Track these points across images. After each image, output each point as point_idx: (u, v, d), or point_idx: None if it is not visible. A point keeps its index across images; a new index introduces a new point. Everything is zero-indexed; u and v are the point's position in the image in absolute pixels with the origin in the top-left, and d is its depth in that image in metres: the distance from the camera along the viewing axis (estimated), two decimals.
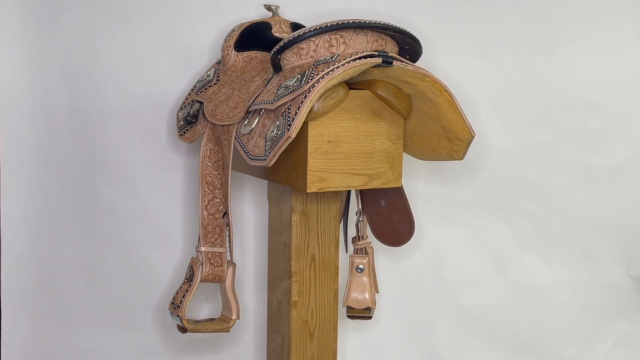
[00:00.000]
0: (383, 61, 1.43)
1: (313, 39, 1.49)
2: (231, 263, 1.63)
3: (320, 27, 1.47)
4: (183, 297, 1.62)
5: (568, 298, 1.99)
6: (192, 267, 1.62)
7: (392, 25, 1.47)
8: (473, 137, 1.46)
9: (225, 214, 1.63)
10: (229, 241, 1.62)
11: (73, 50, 1.88)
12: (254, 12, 1.85)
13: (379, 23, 1.47)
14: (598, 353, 2.00)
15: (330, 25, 1.47)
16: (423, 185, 1.94)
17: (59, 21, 1.87)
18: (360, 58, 1.42)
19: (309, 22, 1.70)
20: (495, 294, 1.99)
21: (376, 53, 1.44)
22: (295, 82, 1.44)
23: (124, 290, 1.96)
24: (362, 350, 2.00)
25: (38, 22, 1.88)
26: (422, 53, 1.52)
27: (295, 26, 1.70)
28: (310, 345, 1.62)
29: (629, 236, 1.95)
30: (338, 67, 1.41)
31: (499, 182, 1.95)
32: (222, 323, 1.65)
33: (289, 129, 1.39)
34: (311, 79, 1.41)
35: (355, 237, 1.73)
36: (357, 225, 1.72)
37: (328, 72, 1.41)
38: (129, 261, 1.95)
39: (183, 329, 1.63)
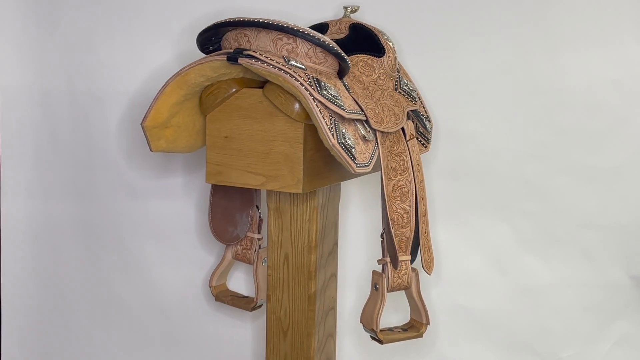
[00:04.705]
0: (228, 58, 1.45)
1: (226, 37, 1.53)
2: (262, 249, 1.74)
3: (213, 25, 1.51)
4: (215, 270, 1.82)
5: (568, 298, 1.98)
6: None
7: (286, 26, 1.44)
8: (333, 146, 1.42)
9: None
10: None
11: (73, 50, 1.89)
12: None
13: (266, 22, 1.45)
14: (598, 353, 2.00)
15: (224, 22, 1.49)
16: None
17: (59, 21, 1.88)
18: (213, 55, 1.47)
19: (387, 23, 1.75)
20: (495, 294, 1.99)
21: (231, 50, 1.47)
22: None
23: (124, 290, 1.96)
24: (361, 349, 2.00)
25: (38, 22, 1.88)
26: (338, 56, 1.48)
27: (353, 27, 1.68)
28: (283, 343, 1.63)
29: (629, 236, 1.95)
30: (190, 66, 1.49)
31: (499, 182, 1.94)
32: (249, 302, 1.79)
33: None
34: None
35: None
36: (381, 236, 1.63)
37: (180, 71, 1.50)
38: (129, 261, 1.95)
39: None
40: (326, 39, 1.47)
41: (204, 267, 1.95)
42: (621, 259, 1.96)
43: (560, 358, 2.00)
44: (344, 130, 1.44)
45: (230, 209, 1.75)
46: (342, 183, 1.72)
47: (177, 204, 1.93)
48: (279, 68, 1.42)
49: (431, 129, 1.76)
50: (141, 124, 1.53)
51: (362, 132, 1.49)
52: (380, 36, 1.64)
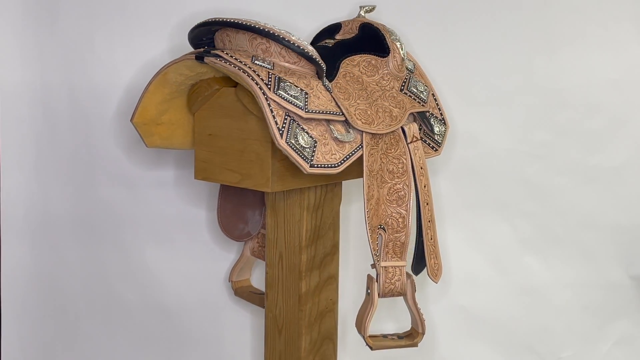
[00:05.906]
0: (196, 57, 1.45)
1: (215, 36, 1.54)
2: None
3: (196, 25, 1.52)
4: (235, 266, 1.84)
5: (568, 298, 1.98)
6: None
7: (254, 26, 1.43)
8: (279, 145, 1.39)
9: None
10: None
11: (73, 50, 1.88)
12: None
13: (237, 22, 1.44)
14: (598, 353, 2.00)
15: (203, 22, 1.50)
16: None
17: (59, 20, 1.87)
18: (185, 55, 1.49)
19: (398, 23, 1.74)
20: (495, 294, 1.99)
21: (201, 50, 1.48)
22: None
23: (124, 290, 1.96)
24: (365, 353, 2.00)
25: (38, 21, 1.88)
26: (305, 55, 1.46)
27: (362, 27, 1.66)
28: (279, 341, 1.62)
29: (629, 236, 1.95)
30: (167, 65, 1.51)
31: (499, 182, 1.94)
32: (262, 299, 1.77)
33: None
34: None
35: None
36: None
37: (161, 70, 1.52)
38: (129, 261, 1.95)
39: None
40: (292, 38, 1.44)
41: (207, 266, 1.95)
42: (621, 259, 1.96)
43: (560, 358, 2.01)
44: (298, 130, 1.41)
45: (240, 206, 1.74)
46: (343, 184, 1.70)
47: (178, 204, 1.93)
48: (238, 67, 1.41)
49: (442, 132, 1.68)
50: (130, 120, 1.56)
51: (336, 133, 1.46)
52: (387, 36, 1.62)
